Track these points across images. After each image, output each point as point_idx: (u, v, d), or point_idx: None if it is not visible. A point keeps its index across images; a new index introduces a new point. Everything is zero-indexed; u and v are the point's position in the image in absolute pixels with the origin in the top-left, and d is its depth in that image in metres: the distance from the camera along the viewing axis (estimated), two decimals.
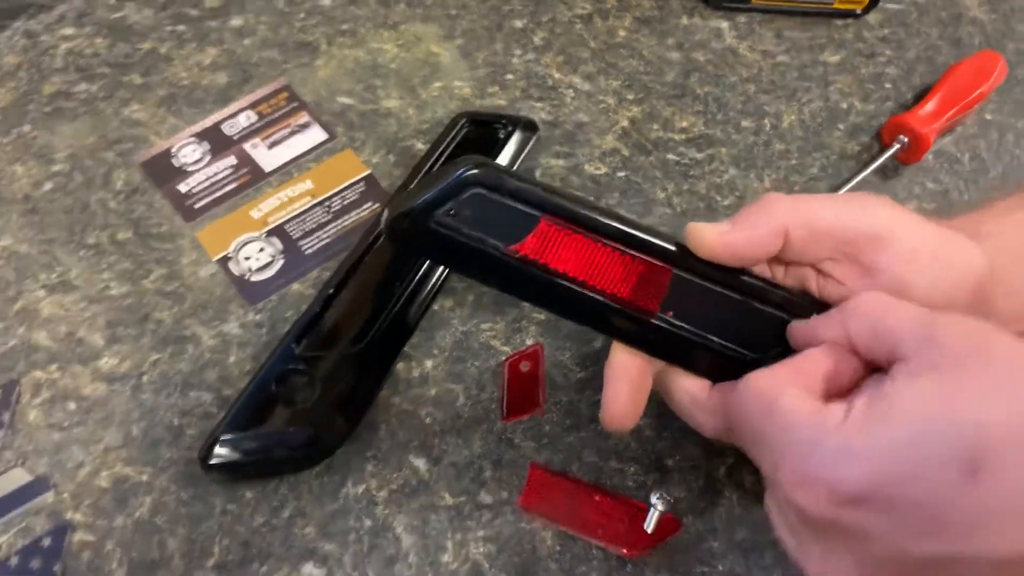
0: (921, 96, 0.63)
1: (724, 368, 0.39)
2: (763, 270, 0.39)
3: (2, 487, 0.47)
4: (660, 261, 0.38)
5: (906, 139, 0.59)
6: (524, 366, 0.52)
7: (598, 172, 0.60)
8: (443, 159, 0.58)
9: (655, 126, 0.63)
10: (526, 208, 0.37)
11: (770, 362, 0.34)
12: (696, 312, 0.38)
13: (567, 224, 0.37)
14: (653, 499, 0.43)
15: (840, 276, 0.37)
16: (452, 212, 0.36)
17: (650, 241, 0.38)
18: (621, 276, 0.38)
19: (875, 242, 0.35)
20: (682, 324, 0.38)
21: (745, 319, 0.38)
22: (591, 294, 0.38)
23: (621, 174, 0.60)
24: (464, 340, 0.53)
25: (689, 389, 0.39)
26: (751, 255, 0.37)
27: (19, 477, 0.48)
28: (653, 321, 0.39)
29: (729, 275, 0.38)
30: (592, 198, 0.59)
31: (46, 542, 0.45)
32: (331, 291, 0.52)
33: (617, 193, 0.59)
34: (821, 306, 0.37)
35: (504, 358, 0.52)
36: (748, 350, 0.39)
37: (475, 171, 0.36)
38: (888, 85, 0.65)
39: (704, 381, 0.39)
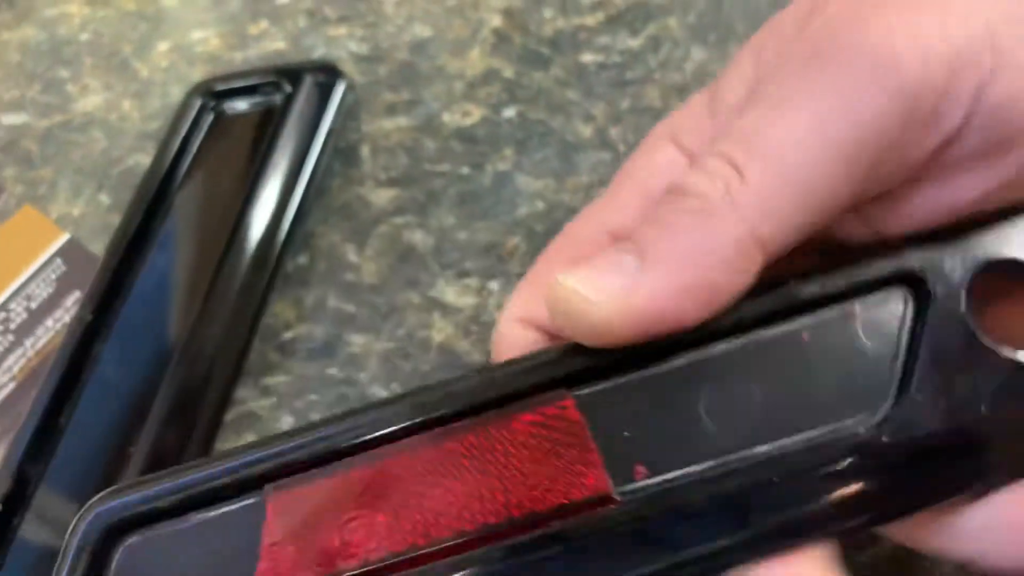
0: None
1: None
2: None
3: None
4: (535, 396, 0.16)
5: None
6: None
7: (468, 121, 0.34)
8: (183, 175, 0.32)
9: (548, 12, 0.36)
10: (229, 506, 0.17)
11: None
12: (682, 441, 0.16)
13: (325, 468, 0.16)
14: None
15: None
16: None
17: (492, 379, 0.17)
18: (498, 478, 0.16)
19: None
20: (681, 472, 0.16)
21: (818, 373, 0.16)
22: (469, 551, 0.16)
23: (509, 112, 0.34)
24: None
25: None
26: (717, 306, 0.16)
27: None
28: (624, 507, 0.16)
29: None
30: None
31: None
32: None
33: (510, 148, 0.33)
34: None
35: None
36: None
37: (99, 514, 0.17)
38: None
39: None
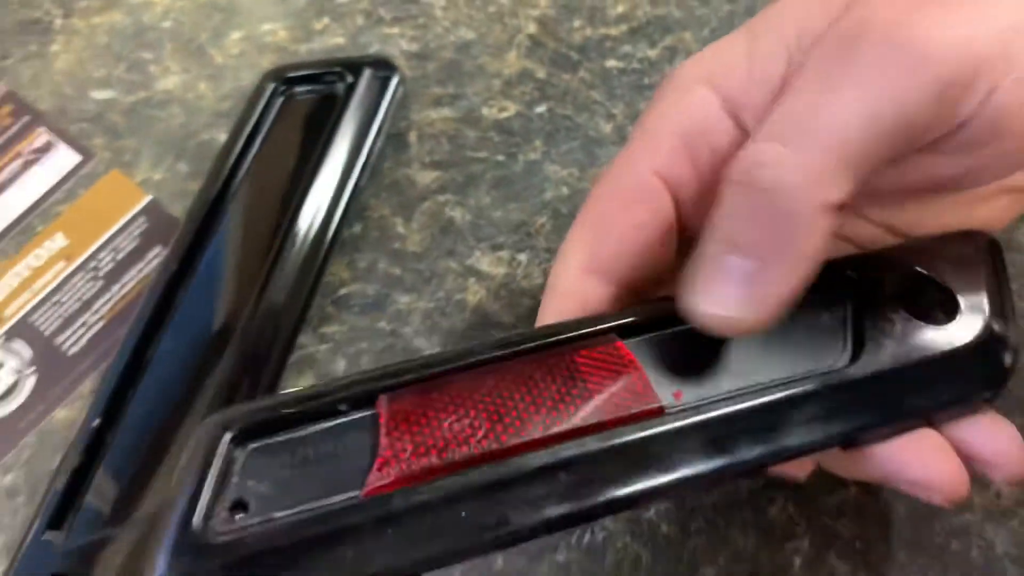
0: None
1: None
2: None
3: None
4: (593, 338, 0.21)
5: None
6: None
7: (504, 114, 0.38)
8: (256, 149, 0.37)
9: (577, 21, 0.41)
10: (347, 416, 0.20)
11: None
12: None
13: (430, 383, 0.20)
14: None
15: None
16: (238, 503, 0.18)
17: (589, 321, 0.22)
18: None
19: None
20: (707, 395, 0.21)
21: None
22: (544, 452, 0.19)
23: (540, 108, 0.38)
24: None
25: None
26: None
27: None
28: (669, 419, 0.20)
29: None
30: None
31: None
32: (98, 421, 0.31)
33: (540, 140, 0.38)
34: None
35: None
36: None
37: (222, 424, 0.19)
38: None
39: None
